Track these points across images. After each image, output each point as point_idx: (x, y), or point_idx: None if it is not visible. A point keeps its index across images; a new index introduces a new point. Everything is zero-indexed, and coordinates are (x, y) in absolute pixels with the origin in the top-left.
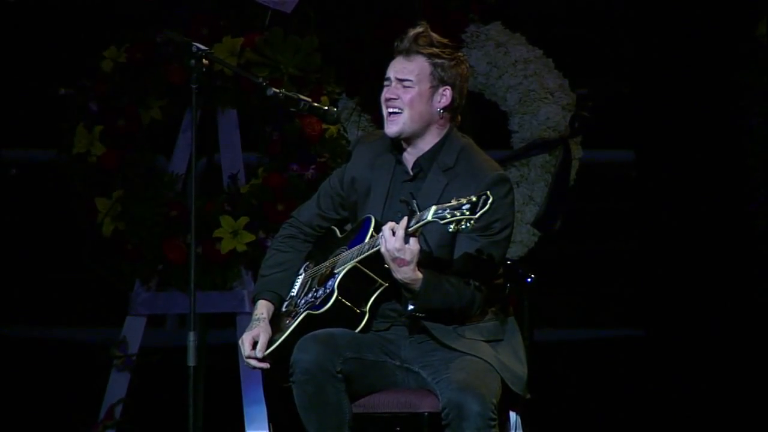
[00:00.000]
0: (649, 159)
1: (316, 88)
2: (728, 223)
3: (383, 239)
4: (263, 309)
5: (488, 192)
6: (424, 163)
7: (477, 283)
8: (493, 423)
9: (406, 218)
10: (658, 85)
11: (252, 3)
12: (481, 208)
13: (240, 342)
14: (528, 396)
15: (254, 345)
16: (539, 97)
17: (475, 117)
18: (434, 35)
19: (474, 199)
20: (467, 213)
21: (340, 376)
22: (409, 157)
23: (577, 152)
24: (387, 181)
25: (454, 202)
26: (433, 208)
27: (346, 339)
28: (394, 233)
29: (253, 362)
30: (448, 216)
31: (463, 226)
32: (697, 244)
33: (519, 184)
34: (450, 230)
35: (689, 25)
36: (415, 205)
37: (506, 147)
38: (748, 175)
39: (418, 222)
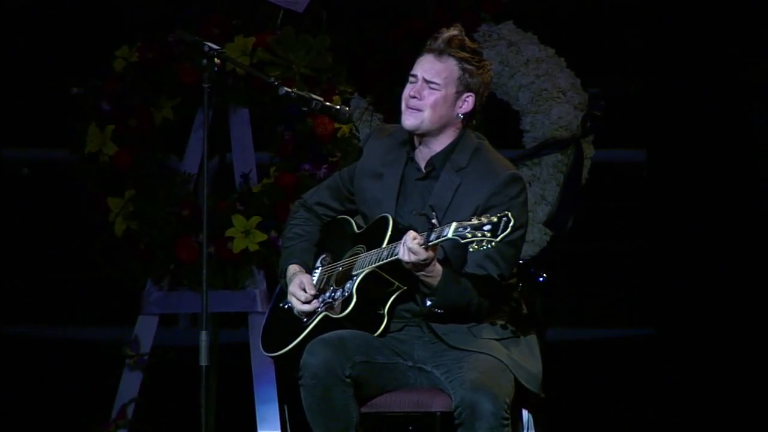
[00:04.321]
0: (660, 158)
1: (328, 88)
2: (739, 223)
3: (403, 252)
4: (296, 269)
5: (509, 214)
6: (437, 162)
7: (492, 282)
8: (506, 422)
9: (426, 233)
10: (670, 84)
11: (264, 2)
12: (503, 230)
13: (289, 296)
14: (542, 395)
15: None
16: (551, 96)
17: (487, 116)
18: (467, 40)
19: (495, 220)
20: (488, 234)
21: (348, 380)
22: (422, 155)
23: (589, 152)
24: (399, 178)
25: (474, 221)
26: (454, 225)
27: (356, 343)
28: (413, 250)
29: (307, 308)
30: (469, 236)
31: (485, 247)
32: (708, 244)
33: (531, 184)
34: (471, 250)
35: (701, 25)
36: (435, 218)
37: (518, 146)
38: (760, 175)
39: (438, 237)
